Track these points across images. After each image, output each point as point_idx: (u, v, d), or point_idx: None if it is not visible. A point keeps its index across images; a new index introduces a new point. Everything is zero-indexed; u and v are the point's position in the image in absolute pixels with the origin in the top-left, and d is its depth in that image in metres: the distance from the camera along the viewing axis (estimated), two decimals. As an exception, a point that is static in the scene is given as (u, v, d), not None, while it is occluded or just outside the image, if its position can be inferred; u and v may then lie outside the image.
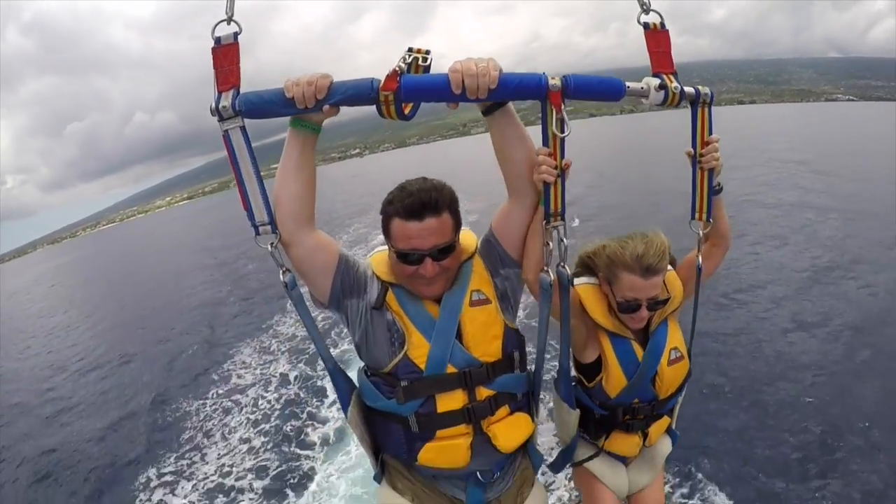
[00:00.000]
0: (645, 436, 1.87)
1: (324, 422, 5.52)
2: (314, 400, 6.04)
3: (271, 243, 1.32)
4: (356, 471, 4.47)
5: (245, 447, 5.34)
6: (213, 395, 6.84)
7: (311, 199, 1.37)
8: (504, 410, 1.51)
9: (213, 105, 1.20)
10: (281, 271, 1.34)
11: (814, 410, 4.62)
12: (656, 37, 1.36)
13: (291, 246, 1.36)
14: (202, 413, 6.36)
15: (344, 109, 1.22)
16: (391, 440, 1.53)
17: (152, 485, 5.04)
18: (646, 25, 1.35)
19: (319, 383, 6.38)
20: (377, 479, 1.68)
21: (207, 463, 5.22)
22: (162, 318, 12.09)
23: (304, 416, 5.72)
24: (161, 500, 4.78)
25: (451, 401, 1.43)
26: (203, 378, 7.48)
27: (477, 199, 14.59)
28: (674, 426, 2.00)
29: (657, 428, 1.88)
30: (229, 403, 6.45)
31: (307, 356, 7.24)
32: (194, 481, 4.95)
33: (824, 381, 5.07)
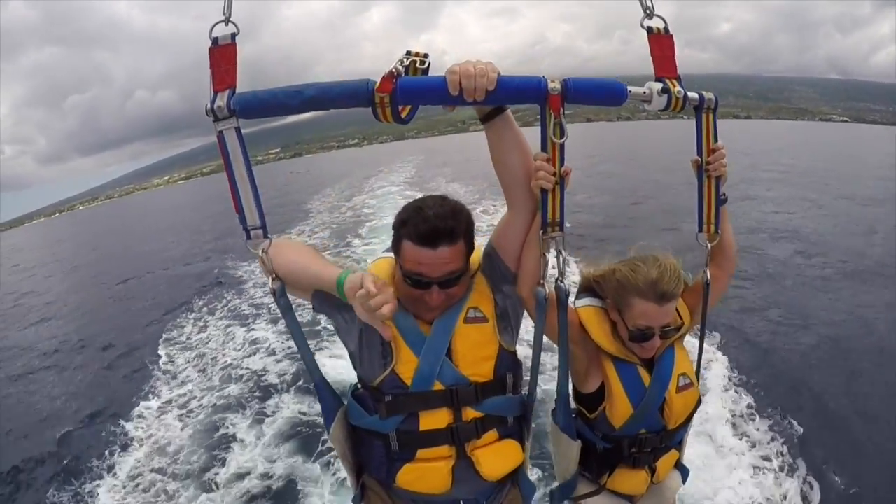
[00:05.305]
0: (653, 471, 1.71)
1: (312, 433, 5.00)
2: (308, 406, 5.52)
3: (262, 249, 1.27)
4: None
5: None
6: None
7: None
8: (492, 435, 1.45)
9: (209, 105, 1.17)
10: (270, 278, 1.30)
11: (837, 438, 4.22)
12: (660, 41, 1.33)
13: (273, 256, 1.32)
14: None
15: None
16: (372, 458, 1.48)
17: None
18: (649, 30, 1.33)
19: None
20: (356, 501, 1.61)
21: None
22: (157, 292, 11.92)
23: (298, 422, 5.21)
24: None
25: (434, 419, 1.38)
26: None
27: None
28: (683, 460, 1.84)
29: (665, 462, 1.73)
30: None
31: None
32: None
33: (852, 405, 4.67)
